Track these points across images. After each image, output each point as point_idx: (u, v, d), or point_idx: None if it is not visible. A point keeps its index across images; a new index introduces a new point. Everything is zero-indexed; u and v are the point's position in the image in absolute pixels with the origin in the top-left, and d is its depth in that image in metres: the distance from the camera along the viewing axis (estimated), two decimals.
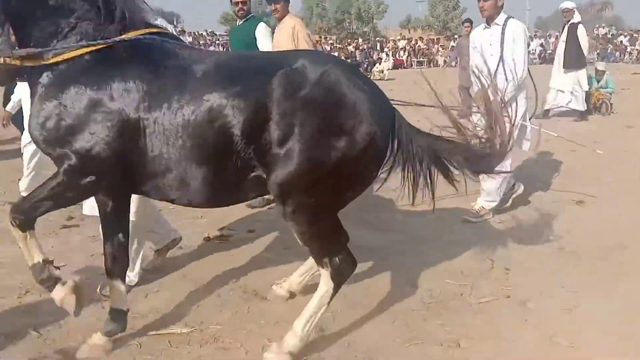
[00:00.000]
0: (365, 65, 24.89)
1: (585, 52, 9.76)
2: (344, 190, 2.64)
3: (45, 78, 2.53)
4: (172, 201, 2.76)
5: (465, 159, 2.69)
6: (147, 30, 2.63)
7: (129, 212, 2.88)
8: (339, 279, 2.71)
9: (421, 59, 31.39)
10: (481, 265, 3.77)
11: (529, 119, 4.73)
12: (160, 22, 3.20)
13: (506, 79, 4.41)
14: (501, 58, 4.52)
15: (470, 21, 11.10)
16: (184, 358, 2.76)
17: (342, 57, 31.63)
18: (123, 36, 2.54)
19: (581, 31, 9.54)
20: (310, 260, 3.08)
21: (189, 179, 2.53)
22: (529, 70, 4.60)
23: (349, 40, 35.71)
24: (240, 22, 5.56)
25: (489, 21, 4.65)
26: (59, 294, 2.63)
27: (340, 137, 2.44)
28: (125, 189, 2.73)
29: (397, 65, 28.64)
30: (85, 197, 2.85)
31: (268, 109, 2.41)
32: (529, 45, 4.74)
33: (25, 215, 2.54)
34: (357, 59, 27.19)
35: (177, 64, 2.56)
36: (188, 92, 2.46)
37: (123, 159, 2.51)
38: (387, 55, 29.80)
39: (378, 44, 34.78)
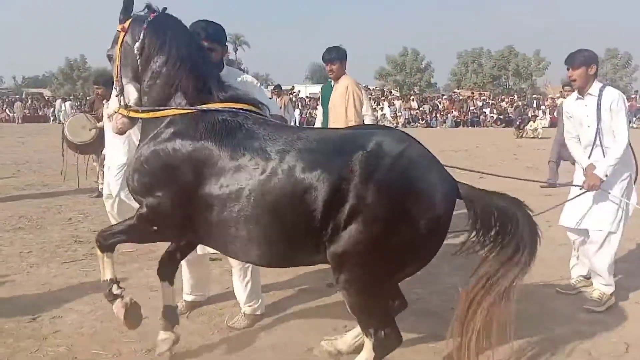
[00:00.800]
0: (517, 123, 23.99)
1: None
2: (400, 269, 2.75)
3: (143, 139, 3.00)
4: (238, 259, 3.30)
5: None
6: (232, 105, 2.90)
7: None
8: (381, 351, 2.79)
9: None
10: (615, 349, 3.48)
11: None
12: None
13: (603, 154, 4.13)
14: (598, 131, 4.16)
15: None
16: None
17: (495, 113, 31.20)
18: (204, 106, 2.87)
19: None
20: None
21: (255, 248, 2.73)
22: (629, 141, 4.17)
23: (502, 97, 34.78)
24: (335, 83, 5.71)
25: (581, 91, 4.27)
26: (116, 307, 3.08)
27: (405, 221, 2.56)
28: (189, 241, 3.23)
29: (553, 123, 27.17)
30: (152, 240, 3.36)
31: (344, 191, 2.53)
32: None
33: (105, 240, 3.03)
34: (511, 115, 26.32)
35: (257, 145, 2.73)
36: (265, 174, 2.63)
37: (188, 222, 2.84)
38: (543, 113, 28.47)
39: (534, 101, 33.39)
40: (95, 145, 8.36)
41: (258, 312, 3.91)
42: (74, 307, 4.21)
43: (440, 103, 35.29)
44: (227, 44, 3.68)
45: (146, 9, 3.03)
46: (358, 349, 3.18)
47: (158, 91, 2.95)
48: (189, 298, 4.16)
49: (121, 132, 3.18)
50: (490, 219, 2.75)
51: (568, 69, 4.31)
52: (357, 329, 3.26)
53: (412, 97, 36.37)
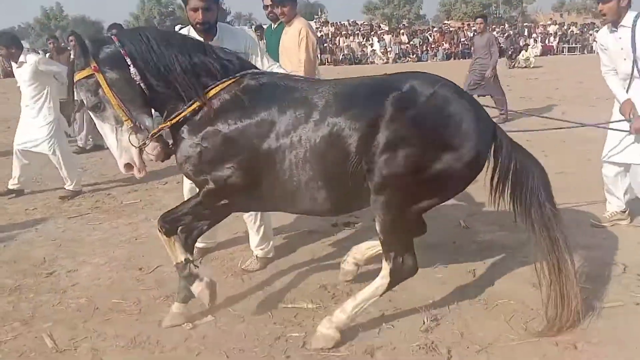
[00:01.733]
0: (509, 53, 23.71)
1: None
2: (433, 197, 2.91)
3: (183, 128, 2.94)
4: (301, 213, 3.27)
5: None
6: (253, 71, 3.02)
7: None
8: (397, 277, 2.93)
9: (573, 45, 29.12)
10: (611, 270, 3.63)
11: None
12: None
13: None
14: (635, 63, 4.13)
15: (483, 17, 10.38)
16: (308, 330, 3.09)
17: None
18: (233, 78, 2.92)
19: None
20: (371, 242, 3.39)
21: (316, 194, 2.89)
22: None
23: (493, 26, 34.14)
24: (275, 26, 5.62)
25: (615, 24, 4.21)
26: (197, 288, 3.10)
27: (441, 152, 2.72)
28: (254, 208, 3.36)
29: (545, 51, 26.98)
30: (221, 216, 3.26)
31: (380, 126, 2.71)
32: None
33: (169, 224, 3.03)
34: (502, 45, 25.95)
35: (298, 96, 2.90)
36: (311, 120, 2.81)
37: (254, 186, 2.93)
38: (535, 41, 28.11)
39: (526, 30, 32.87)
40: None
41: (270, 255, 4.06)
42: (88, 260, 4.30)
43: (430, 36, 34.62)
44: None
45: (93, 43, 2.83)
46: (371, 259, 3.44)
47: (177, 93, 2.89)
48: (200, 245, 4.23)
49: (161, 159, 3.09)
50: (509, 170, 2.93)
51: (599, 3, 4.23)
52: (368, 242, 3.46)
53: (401, 31, 35.60)
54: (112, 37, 2.87)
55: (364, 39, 34.24)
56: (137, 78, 2.82)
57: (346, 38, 34.65)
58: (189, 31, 3.66)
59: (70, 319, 3.39)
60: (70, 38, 8.83)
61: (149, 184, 6.52)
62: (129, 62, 2.80)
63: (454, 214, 4.85)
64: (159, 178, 6.75)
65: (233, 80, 2.94)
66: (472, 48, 12.98)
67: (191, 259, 3.12)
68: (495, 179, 2.96)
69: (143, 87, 2.85)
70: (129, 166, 2.94)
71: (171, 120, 2.92)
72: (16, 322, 3.37)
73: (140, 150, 2.91)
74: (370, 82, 2.97)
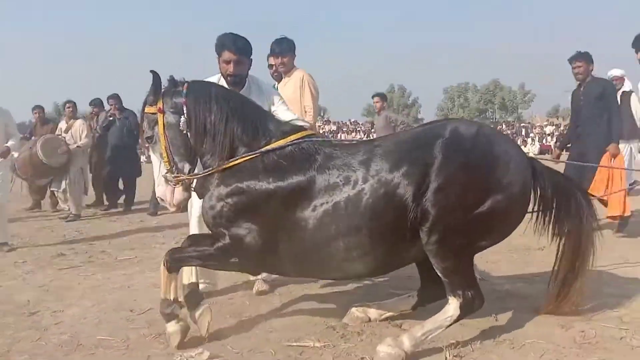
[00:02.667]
0: None
1: (638, 122, 8.01)
2: (489, 236, 2.91)
3: (214, 179, 3.00)
4: (335, 278, 3.43)
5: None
6: (296, 136, 3.02)
7: None
8: (467, 310, 2.88)
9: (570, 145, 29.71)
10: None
11: None
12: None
13: None
14: None
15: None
16: None
17: None
18: (269, 146, 2.96)
19: (635, 100, 7.92)
20: (396, 302, 3.38)
21: (357, 256, 2.85)
22: None
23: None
24: (278, 85, 5.37)
25: None
26: (171, 328, 3.04)
27: (491, 190, 2.76)
28: (271, 271, 3.40)
29: (543, 150, 27.42)
30: (225, 269, 3.30)
31: (430, 175, 2.74)
32: None
33: (174, 262, 3.01)
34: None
35: (340, 163, 2.90)
36: (359, 185, 2.80)
37: (271, 253, 2.91)
38: (532, 140, 28.75)
39: (523, 130, 33.79)
40: (62, 170, 8.34)
41: (272, 278, 4.08)
42: (75, 303, 3.98)
43: None
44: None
45: (170, 83, 3.05)
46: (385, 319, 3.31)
47: (220, 149, 2.98)
48: (201, 285, 3.95)
49: (179, 205, 3.12)
50: (554, 195, 3.05)
51: (637, 52, 4.54)
52: (392, 303, 3.38)
53: None
54: (184, 84, 3.02)
55: (365, 135, 35.10)
56: (185, 127, 2.96)
57: (347, 134, 35.54)
58: (219, 80, 3.70)
59: (50, 352, 3.05)
60: (68, 105, 9.05)
61: (146, 242, 6.28)
62: (185, 112, 2.95)
63: None
64: (156, 238, 6.53)
65: (275, 144, 2.97)
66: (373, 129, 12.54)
67: (179, 300, 3.08)
68: (542, 207, 3.07)
69: (188, 136, 2.99)
70: (161, 199, 3.15)
71: (197, 175, 3.03)
72: None
73: (172, 189, 3.05)
74: (412, 135, 3.00)
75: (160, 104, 2.98)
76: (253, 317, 3.52)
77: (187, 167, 3.04)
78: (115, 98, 9.44)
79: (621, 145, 5.81)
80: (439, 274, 2.86)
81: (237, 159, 2.94)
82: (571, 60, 6.07)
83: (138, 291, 4.25)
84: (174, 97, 3.00)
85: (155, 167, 3.12)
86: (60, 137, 8.54)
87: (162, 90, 3.01)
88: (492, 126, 3.06)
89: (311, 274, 3.21)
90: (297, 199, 2.82)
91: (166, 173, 3.03)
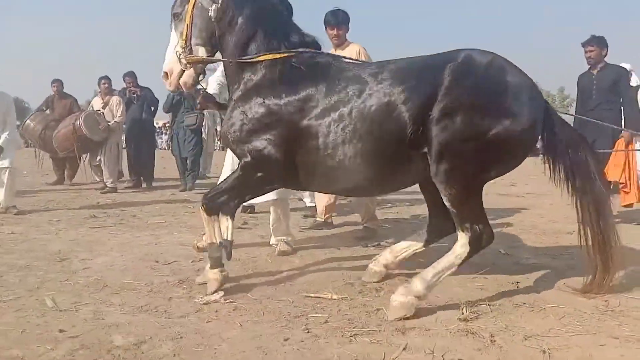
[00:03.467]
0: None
1: None
2: (494, 164, 2.81)
3: (235, 93, 3.06)
4: (344, 192, 3.27)
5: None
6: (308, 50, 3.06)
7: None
8: (476, 245, 2.81)
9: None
10: None
11: None
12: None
13: None
14: None
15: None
16: (332, 314, 2.77)
17: None
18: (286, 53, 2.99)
19: None
20: (407, 242, 3.34)
21: (363, 169, 2.84)
22: None
23: None
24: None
25: None
26: (213, 275, 3.08)
27: (500, 118, 2.67)
28: (290, 185, 3.23)
29: None
30: (258, 190, 3.17)
31: (438, 94, 2.69)
32: None
33: (210, 200, 3.05)
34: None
35: (350, 74, 2.93)
36: (363, 94, 2.81)
37: (292, 162, 2.92)
38: None
39: None
40: (100, 145, 8.58)
41: (292, 246, 4.16)
42: (104, 254, 4.10)
43: None
44: None
45: None
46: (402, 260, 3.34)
47: (242, 45, 3.03)
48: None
49: (188, 86, 3.20)
50: (564, 145, 2.93)
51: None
52: (404, 243, 3.34)
53: None
54: None
55: None
56: (213, 15, 3.04)
57: None
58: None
59: (76, 290, 3.16)
60: (104, 81, 9.15)
61: (176, 211, 6.41)
62: (217, 3, 3.04)
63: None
64: (185, 208, 6.67)
65: (288, 54, 2.98)
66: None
67: (225, 244, 3.07)
68: (551, 154, 2.94)
69: (215, 25, 3.06)
70: (165, 75, 3.20)
71: (209, 60, 3.16)
72: (20, 289, 3.15)
73: (181, 71, 3.13)
74: (425, 58, 2.97)
75: None
76: (274, 272, 3.57)
77: (201, 51, 3.11)
78: (131, 75, 9.39)
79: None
80: (447, 204, 2.80)
81: (253, 57, 2.99)
82: (584, 44, 5.89)
83: (165, 247, 4.35)
84: None
85: (170, 45, 3.18)
86: (99, 112, 8.78)
87: None
88: (504, 58, 2.87)
89: (324, 186, 3.17)
90: (309, 108, 2.86)
91: (180, 52, 3.09)
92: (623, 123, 5.59)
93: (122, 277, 3.41)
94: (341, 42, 4.94)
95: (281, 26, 3.11)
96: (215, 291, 3.03)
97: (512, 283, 3.35)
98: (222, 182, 3.20)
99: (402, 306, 2.71)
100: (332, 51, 4.88)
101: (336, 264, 3.80)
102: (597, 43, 5.85)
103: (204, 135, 10.14)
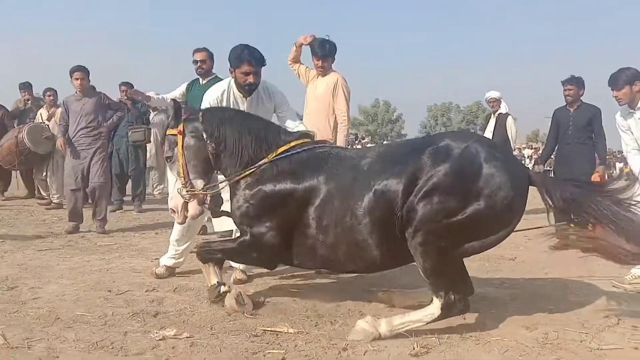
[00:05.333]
0: None
1: (513, 144, 8.89)
2: (469, 242, 3.01)
3: (241, 184, 3.38)
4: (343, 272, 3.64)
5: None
6: (299, 142, 3.42)
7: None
8: (447, 311, 3.03)
9: (549, 168, 30.22)
10: (605, 321, 3.49)
11: None
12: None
13: None
14: None
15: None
16: (289, 350, 2.84)
17: None
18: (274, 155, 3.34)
19: (510, 122, 8.64)
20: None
21: (360, 252, 3.13)
22: None
23: None
24: (203, 82, 5.54)
25: (631, 105, 4.44)
26: (228, 302, 3.38)
27: (474, 199, 2.90)
28: (281, 263, 3.56)
29: None
30: (247, 264, 3.88)
31: (419, 178, 2.97)
32: None
33: (203, 255, 3.50)
34: None
35: (348, 164, 3.25)
36: (356, 182, 3.12)
37: (287, 248, 3.26)
38: None
39: None
40: (45, 159, 8.34)
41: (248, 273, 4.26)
42: (54, 281, 4.02)
43: None
44: None
45: (186, 110, 3.67)
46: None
47: (241, 160, 3.39)
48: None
49: (192, 217, 3.54)
50: (568, 203, 3.06)
51: (612, 90, 4.44)
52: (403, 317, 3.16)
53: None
54: (201, 114, 3.48)
55: (349, 145, 35.31)
56: (211, 148, 3.38)
57: None
58: (229, 85, 4.02)
59: (27, 323, 3.09)
60: (49, 93, 8.88)
61: (125, 232, 6.31)
62: (205, 137, 3.39)
63: None
64: (135, 229, 6.57)
65: (284, 149, 3.34)
66: None
67: (222, 282, 3.47)
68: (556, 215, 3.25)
69: (211, 155, 3.40)
70: (172, 211, 3.53)
71: (209, 188, 3.47)
72: None
73: (185, 204, 3.44)
74: (411, 142, 3.40)
75: (180, 127, 3.39)
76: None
77: (200, 183, 3.41)
78: (128, 85, 8.46)
79: None
80: (422, 274, 3.03)
81: (249, 170, 3.33)
82: (564, 82, 6.37)
83: (116, 274, 4.30)
84: (192, 124, 3.42)
85: (171, 183, 3.58)
86: (43, 124, 8.53)
87: (181, 118, 3.43)
88: (490, 141, 3.20)
89: (319, 267, 3.52)
90: (309, 198, 3.17)
91: (181, 188, 3.40)
92: (597, 158, 6.09)
93: (74, 309, 3.37)
94: (325, 72, 5.15)
95: (267, 128, 3.52)
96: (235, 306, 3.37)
97: (460, 316, 3.51)
98: (218, 243, 3.67)
99: (363, 333, 2.96)
100: (315, 77, 5.22)
101: (292, 293, 3.86)
102: (576, 83, 6.40)
103: (153, 150, 9.51)
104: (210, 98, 3.99)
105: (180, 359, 2.69)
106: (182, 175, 3.40)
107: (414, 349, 2.86)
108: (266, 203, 3.23)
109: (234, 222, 3.49)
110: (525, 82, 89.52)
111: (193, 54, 5.58)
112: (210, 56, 5.63)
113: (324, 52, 5.05)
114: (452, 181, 2.91)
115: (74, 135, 6.17)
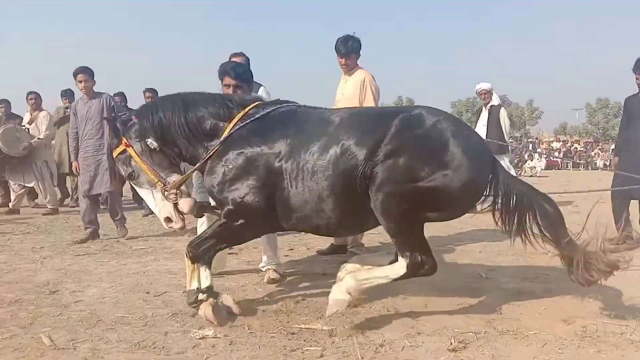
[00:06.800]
0: (515, 162, 24.14)
1: (507, 136, 8.60)
2: (431, 210, 3.07)
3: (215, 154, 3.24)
4: (312, 231, 3.37)
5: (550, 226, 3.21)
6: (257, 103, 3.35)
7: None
8: (414, 270, 3.08)
9: (578, 161, 29.70)
10: None
11: None
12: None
13: None
14: None
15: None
16: (327, 346, 2.87)
17: None
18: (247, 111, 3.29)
19: (503, 114, 8.42)
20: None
21: (325, 209, 3.09)
22: None
23: None
24: None
25: None
26: (204, 311, 3.20)
27: (437, 169, 2.94)
28: (269, 228, 3.46)
29: (550, 166, 27.42)
30: (241, 237, 3.38)
31: (388, 137, 3.00)
32: None
33: (195, 248, 3.24)
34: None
35: (313, 119, 3.26)
36: (325, 138, 3.10)
37: (269, 205, 3.14)
38: (539, 155, 28.77)
39: (530, 145, 33.78)
40: (26, 164, 8.27)
41: (281, 271, 4.22)
42: (93, 284, 4.13)
43: None
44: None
45: (121, 123, 3.36)
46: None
47: (203, 136, 3.28)
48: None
49: (194, 213, 3.43)
50: (510, 200, 3.16)
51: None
52: (369, 272, 3.27)
53: None
54: (133, 116, 3.36)
55: None
56: (156, 145, 3.26)
57: None
58: None
59: (71, 325, 3.19)
60: (30, 96, 8.84)
61: (158, 236, 6.42)
62: (148, 135, 3.26)
63: (472, 269, 4.68)
64: (169, 232, 6.64)
65: (242, 114, 3.27)
66: None
67: (201, 289, 3.24)
68: (500, 212, 3.19)
69: (163, 150, 3.28)
70: (168, 220, 3.34)
71: (188, 174, 3.36)
72: (13, 326, 3.17)
73: (175, 205, 3.30)
74: (385, 108, 3.46)
75: (124, 141, 3.30)
76: (265, 302, 3.65)
77: (176, 176, 3.32)
78: (121, 96, 8.86)
79: None
80: (387, 232, 3.09)
81: (216, 147, 3.21)
82: (634, 69, 5.95)
83: (153, 276, 4.39)
84: (132, 129, 3.31)
85: (149, 200, 3.37)
86: (22, 127, 8.46)
87: (120, 131, 3.32)
88: (461, 120, 3.42)
89: (297, 227, 3.33)
90: (277, 154, 3.12)
91: (163, 193, 3.28)
92: None
93: (115, 311, 3.45)
94: (350, 69, 5.10)
95: (211, 96, 3.40)
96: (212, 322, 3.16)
97: (496, 310, 3.50)
98: (204, 231, 3.38)
99: (335, 303, 3.10)
100: (342, 76, 5.17)
101: (325, 293, 3.87)
102: None
103: None
104: None
105: (221, 357, 2.74)
106: (155, 179, 3.29)
107: (451, 344, 2.87)
108: (241, 161, 3.14)
109: (213, 198, 3.32)
110: (550, 76, 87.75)
111: (230, 59, 5.58)
112: (247, 62, 5.56)
113: (346, 49, 5.01)
114: (420, 147, 2.97)
115: (83, 140, 6.11)
